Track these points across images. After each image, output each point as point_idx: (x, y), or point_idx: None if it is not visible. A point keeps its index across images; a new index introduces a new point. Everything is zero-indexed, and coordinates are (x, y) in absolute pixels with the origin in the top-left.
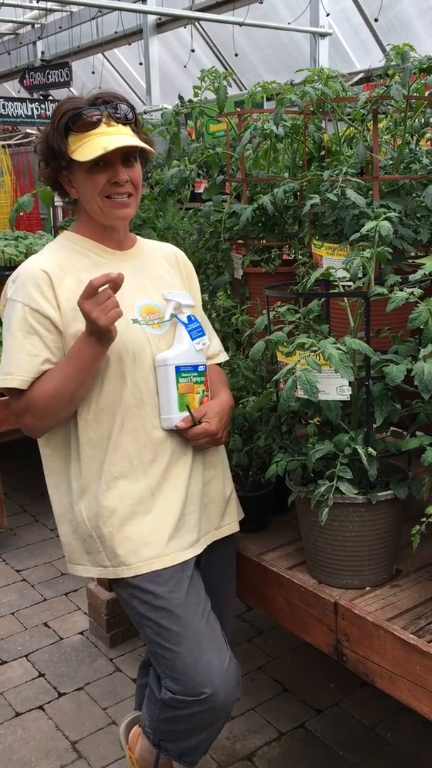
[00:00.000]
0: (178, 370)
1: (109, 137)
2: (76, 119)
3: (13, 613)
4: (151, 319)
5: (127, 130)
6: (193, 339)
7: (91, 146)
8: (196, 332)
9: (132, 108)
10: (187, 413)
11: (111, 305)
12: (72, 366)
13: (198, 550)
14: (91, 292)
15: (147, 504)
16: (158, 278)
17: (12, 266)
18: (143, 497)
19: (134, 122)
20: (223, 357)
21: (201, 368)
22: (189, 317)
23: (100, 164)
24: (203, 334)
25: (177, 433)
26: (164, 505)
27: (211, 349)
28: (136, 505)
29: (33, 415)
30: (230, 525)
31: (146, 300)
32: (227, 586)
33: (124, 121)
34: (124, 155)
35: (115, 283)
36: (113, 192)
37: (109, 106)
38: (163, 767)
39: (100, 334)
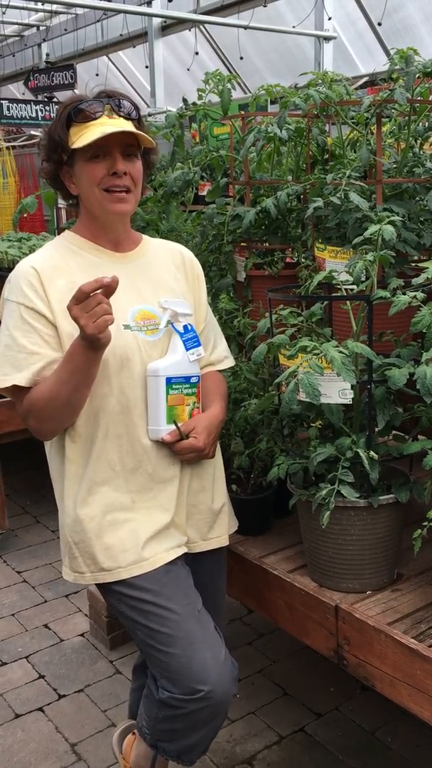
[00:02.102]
0: (169, 381)
1: (109, 126)
2: (78, 111)
3: (13, 615)
4: (145, 325)
5: (129, 124)
6: (187, 349)
7: (89, 133)
8: (191, 342)
9: (136, 107)
10: (174, 427)
11: (100, 312)
12: (65, 370)
13: (180, 552)
14: (80, 298)
15: (128, 511)
16: (160, 282)
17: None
18: (124, 504)
19: (138, 120)
20: (229, 363)
21: (193, 379)
22: (185, 326)
23: (100, 156)
24: (198, 345)
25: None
26: (145, 513)
27: (216, 353)
28: (117, 512)
29: (35, 417)
30: (219, 538)
31: (142, 305)
32: (217, 598)
33: (127, 116)
34: (125, 149)
35: (108, 288)
36: (111, 184)
37: (113, 100)
38: None
39: (90, 341)
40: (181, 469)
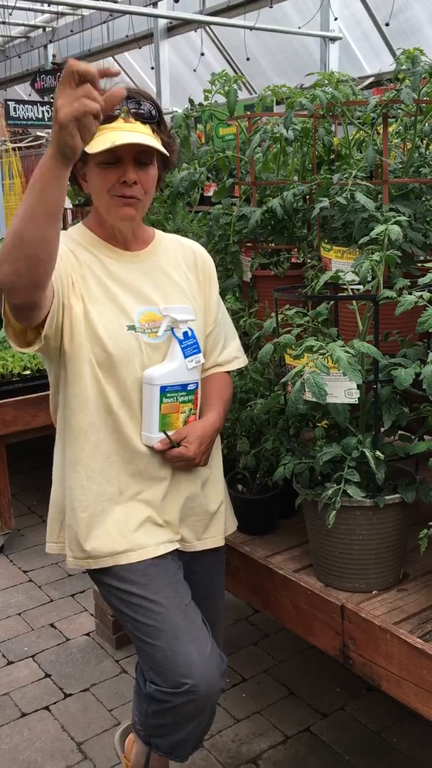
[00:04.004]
0: (164, 390)
1: (122, 133)
2: None
3: (19, 614)
4: (150, 328)
5: (146, 129)
6: (186, 357)
7: (102, 139)
8: (190, 349)
9: (157, 107)
10: (164, 435)
11: (81, 93)
12: (30, 192)
13: (170, 547)
14: (68, 78)
15: (116, 504)
16: (168, 282)
17: None
18: (113, 496)
19: (157, 122)
20: (240, 363)
21: (191, 386)
22: (185, 333)
23: (112, 161)
24: (198, 352)
25: None
26: (130, 505)
27: (225, 354)
28: (106, 502)
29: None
30: (214, 539)
31: (148, 307)
32: (215, 599)
33: (144, 119)
34: (138, 156)
35: (108, 75)
36: (121, 193)
37: (131, 101)
38: None
39: (58, 134)
40: (175, 471)
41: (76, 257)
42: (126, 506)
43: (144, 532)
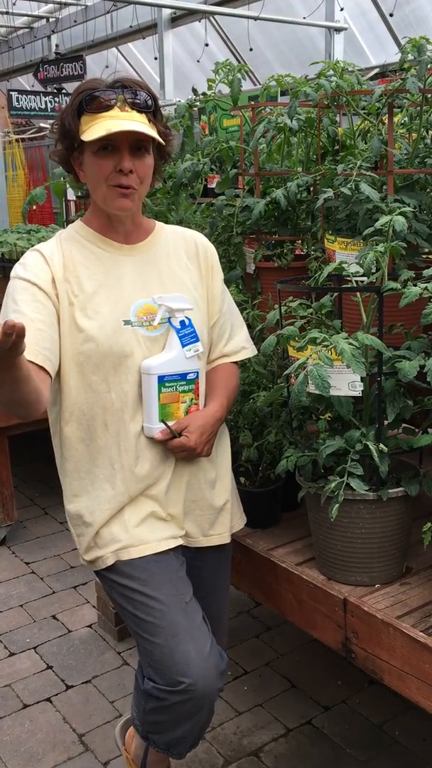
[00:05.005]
0: (162, 379)
1: (118, 121)
2: (90, 100)
3: (21, 606)
4: (147, 320)
5: (142, 117)
6: (184, 345)
7: (98, 127)
8: (188, 338)
9: (153, 96)
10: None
11: None
12: None
13: (173, 543)
14: None
15: (124, 506)
16: (169, 274)
17: None
18: (122, 501)
19: (153, 112)
20: (246, 353)
21: (190, 376)
22: (182, 322)
23: (108, 149)
24: (196, 340)
25: None
26: (135, 502)
27: (232, 344)
28: (114, 509)
29: None
30: (220, 535)
31: (146, 299)
32: (220, 596)
33: (140, 108)
34: (134, 144)
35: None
36: (116, 182)
37: (128, 90)
38: (158, 763)
39: None
40: (180, 464)
41: (72, 259)
42: (129, 505)
43: (147, 527)
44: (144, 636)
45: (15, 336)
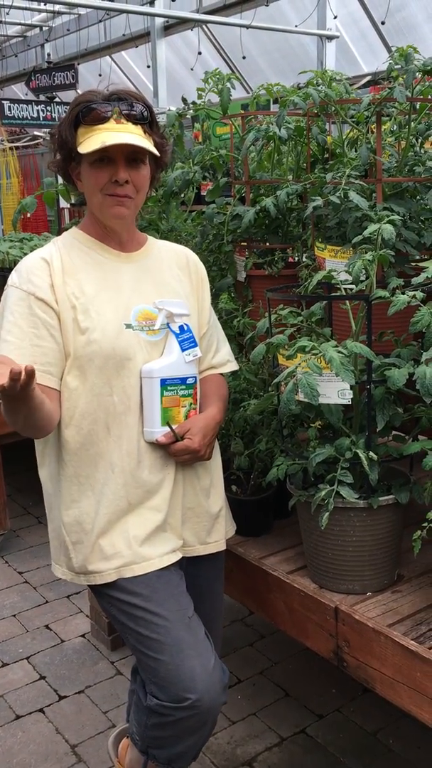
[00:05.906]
0: (164, 383)
1: (113, 134)
2: (86, 112)
3: (14, 615)
4: (147, 325)
5: (137, 129)
6: (183, 350)
7: (93, 140)
8: (187, 343)
9: (149, 108)
10: (168, 428)
11: None
12: (4, 411)
13: (174, 558)
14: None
15: (123, 513)
16: (163, 283)
17: None
18: (121, 507)
19: (149, 123)
20: (232, 366)
21: (190, 380)
22: (181, 327)
23: (104, 160)
24: (195, 345)
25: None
26: (138, 514)
27: (219, 357)
28: (113, 514)
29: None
30: (217, 543)
31: (144, 305)
32: (215, 602)
33: (136, 120)
34: (130, 155)
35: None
36: (112, 192)
37: (123, 103)
38: None
39: None
40: (176, 471)
41: (71, 262)
42: (132, 515)
43: (150, 542)
44: (147, 653)
45: (26, 377)
